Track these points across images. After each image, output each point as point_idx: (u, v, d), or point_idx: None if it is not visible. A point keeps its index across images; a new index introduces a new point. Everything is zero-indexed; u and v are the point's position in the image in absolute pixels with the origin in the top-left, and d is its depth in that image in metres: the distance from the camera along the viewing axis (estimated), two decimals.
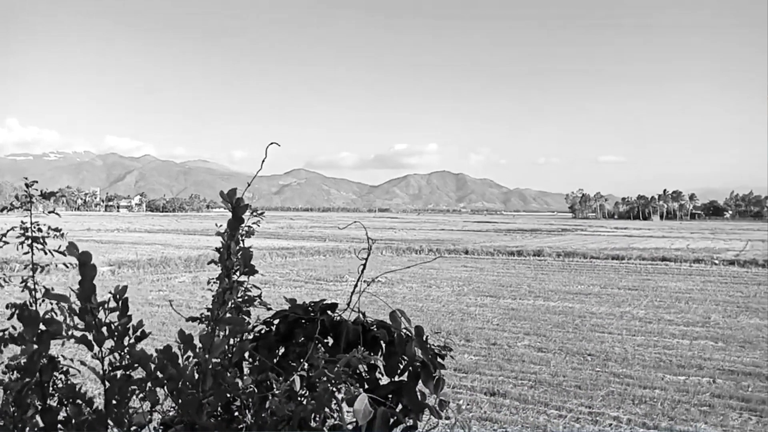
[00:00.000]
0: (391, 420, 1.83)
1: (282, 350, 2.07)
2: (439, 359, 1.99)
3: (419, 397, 1.93)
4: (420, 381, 1.95)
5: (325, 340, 2.04)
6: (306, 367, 1.85)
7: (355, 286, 1.95)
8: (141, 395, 1.63)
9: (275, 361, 2.02)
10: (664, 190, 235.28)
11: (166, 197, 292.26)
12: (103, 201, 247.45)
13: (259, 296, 2.05)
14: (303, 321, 2.02)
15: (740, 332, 15.28)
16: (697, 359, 12.53)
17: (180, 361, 1.66)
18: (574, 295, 22.01)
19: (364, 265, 1.94)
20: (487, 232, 76.56)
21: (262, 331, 2.06)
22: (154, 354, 1.67)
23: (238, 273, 1.70)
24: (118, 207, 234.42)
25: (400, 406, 1.93)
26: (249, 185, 2.01)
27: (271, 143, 1.90)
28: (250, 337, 2.01)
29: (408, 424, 1.87)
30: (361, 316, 2.06)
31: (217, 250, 1.73)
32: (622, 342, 14.13)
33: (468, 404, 9.46)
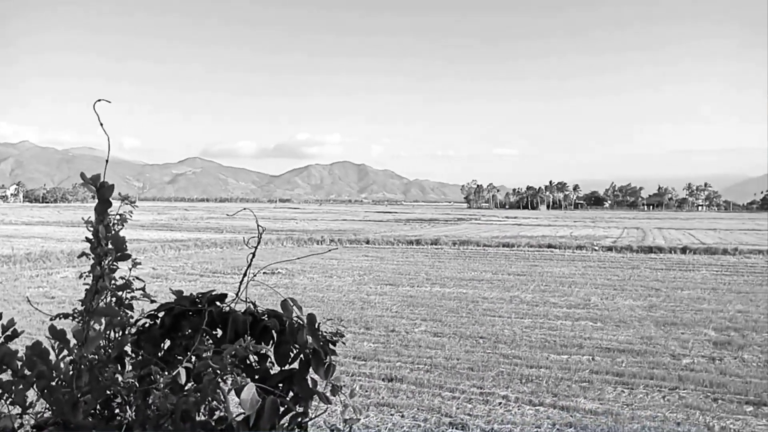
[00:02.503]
0: (282, 408, 1.83)
1: (168, 344, 2.01)
2: (330, 345, 2.01)
3: (311, 384, 1.95)
4: (311, 368, 1.96)
5: (215, 332, 2.00)
6: (193, 359, 1.80)
7: (244, 275, 1.93)
8: (7, 397, 1.52)
9: (160, 354, 1.96)
10: (551, 182, 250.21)
11: (47, 187, 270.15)
12: None
13: (143, 288, 1.97)
14: (190, 313, 1.97)
15: (616, 313, 16.60)
16: (579, 339, 13.47)
17: (53, 358, 1.57)
18: (467, 281, 22.91)
19: (254, 254, 1.92)
20: (387, 222, 77.73)
21: (146, 325, 1.98)
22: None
23: (110, 260, 1.62)
24: None
25: (291, 395, 1.94)
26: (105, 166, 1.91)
27: (99, 100, 1.79)
28: (133, 330, 1.93)
29: (299, 411, 1.88)
30: (251, 306, 2.04)
31: (88, 239, 1.64)
32: (511, 325, 14.91)
33: (366, 391, 9.60)
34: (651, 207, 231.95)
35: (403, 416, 8.56)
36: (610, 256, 34.25)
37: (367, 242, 41.26)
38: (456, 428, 8.16)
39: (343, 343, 2.11)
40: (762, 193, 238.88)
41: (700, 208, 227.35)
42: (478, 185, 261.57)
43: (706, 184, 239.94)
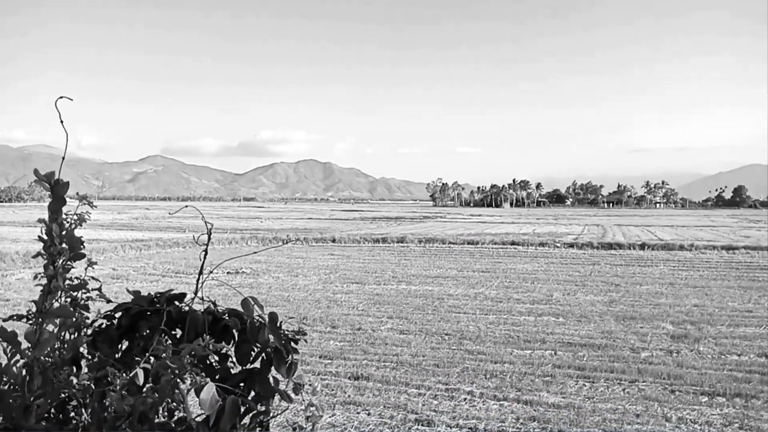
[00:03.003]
0: (243, 408, 1.82)
1: (125, 345, 1.97)
2: (293, 344, 2.00)
3: (273, 382, 1.94)
4: (273, 367, 1.95)
5: (174, 332, 1.97)
6: (151, 360, 1.77)
7: (200, 274, 1.90)
8: None
9: (118, 356, 1.92)
10: (514, 180, 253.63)
11: (1, 186, 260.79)
12: None
13: (99, 289, 1.93)
14: (148, 313, 1.94)
15: (577, 308, 16.94)
16: (541, 334, 13.70)
17: (4, 361, 1.52)
18: (433, 278, 23.07)
19: (205, 251, 1.89)
20: (354, 221, 77.59)
21: (103, 326, 1.94)
22: None
23: (64, 259, 1.58)
24: None
25: (252, 394, 1.92)
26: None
27: (61, 97, 1.75)
28: (89, 332, 1.89)
29: (261, 410, 1.87)
30: (211, 305, 2.01)
31: (41, 239, 1.60)
32: (476, 321, 15.07)
33: (333, 389, 9.58)
34: (611, 204, 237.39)
35: (369, 414, 8.58)
36: (571, 252, 34.91)
37: (333, 241, 41.13)
38: (422, 424, 8.21)
39: (306, 342, 2.10)
40: (717, 190, 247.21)
41: (657, 205, 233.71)
42: (443, 183, 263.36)
43: (663, 182, 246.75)
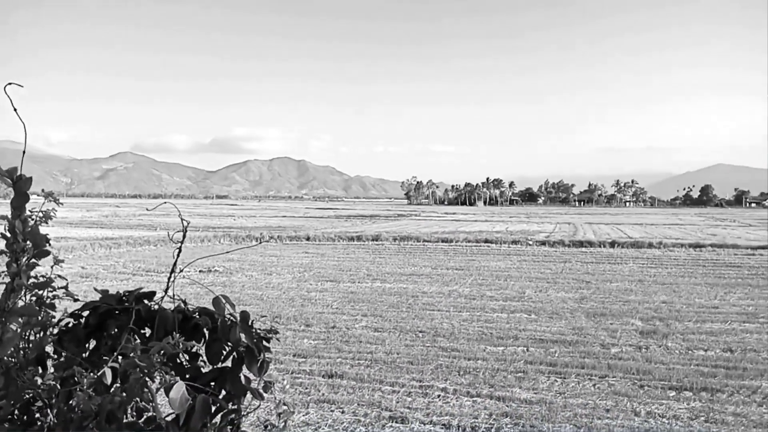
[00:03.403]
0: (214, 407, 1.80)
1: (93, 344, 1.93)
2: (264, 342, 1.99)
3: (244, 381, 1.92)
4: (244, 365, 1.94)
5: (143, 331, 1.94)
6: (119, 359, 1.75)
7: (172, 271, 1.88)
8: None
9: (85, 355, 1.88)
10: (488, 178, 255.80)
11: None
12: None
13: (65, 287, 1.89)
14: (116, 311, 1.90)
15: (549, 305, 17.17)
16: (514, 331, 13.85)
17: None
18: (408, 276, 23.14)
19: (179, 249, 1.87)
20: (328, 219, 77.36)
21: (70, 325, 1.90)
22: None
23: (27, 257, 1.55)
24: None
25: (223, 393, 1.91)
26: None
27: (10, 83, 1.69)
28: (55, 331, 1.85)
29: (232, 408, 1.86)
30: (182, 303, 1.99)
31: (3, 236, 1.56)
32: (449, 318, 15.17)
33: (306, 388, 9.55)
34: (582, 203, 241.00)
35: (343, 412, 8.57)
36: (543, 250, 35.35)
37: (308, 239, 40.97)
38: (396, 422, 8.23)
39: (278, 340, 2.09)
40: (685, 189, 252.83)
41: (627, 203, 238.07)
42: (418, 182, 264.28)
43: (633, 181, 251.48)
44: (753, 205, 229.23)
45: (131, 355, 1.60)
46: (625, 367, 10.90)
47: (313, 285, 20.74)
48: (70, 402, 1.53)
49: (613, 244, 37.04)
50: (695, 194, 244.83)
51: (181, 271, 1.84)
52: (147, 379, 1.51)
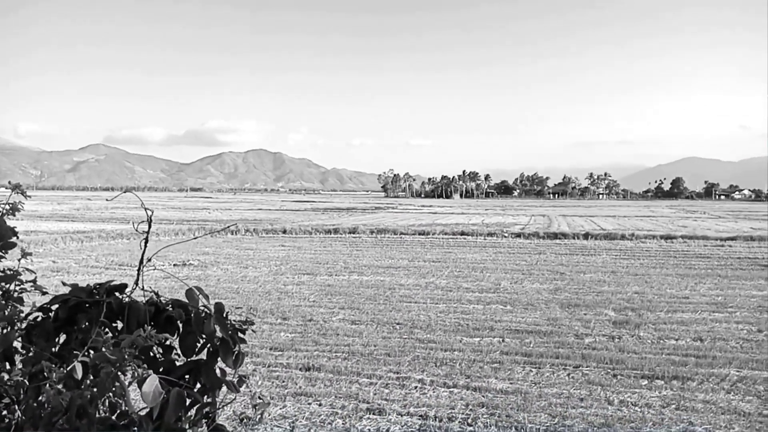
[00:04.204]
0: (189, 400, 1.77)
1: (63, 338, 1.89)
2: (240, 334, 1.97)
3: (219, 373, 1.90)
4: (219, 358, 1.91)
5: (114, 325, 1.90)
6: (90, 353, 1.70)
7: (140, 263, 1.84)
8: None
9: (55, 350, 1.84)
10: (464, 171, 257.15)
11: None
12: None
13: (34, 280, 1.84)
14: (87, 305, 1.86)
15: (524, 296, 17.35)
16: (490, 322, 13.97)
17: None
18: (385, 269, 23.16)
19: (146, 239, 1.83)
20: (305, 212, 76.99)
21: (38, 319, 1.85)
22: None
23: None
24: None
25: (198, 386, 1.88)
26: None
27: None
28: (23, 325, 1.80)
29: (207, 401, 1.83)
30: (154, 296, 1.95)
31: None
32: (426, 310, 15.23)
33: (284, 381, 9.51)
34: (556, 195, 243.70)
35: (320, 404, 8.56)
36: (518, 242, 35.67)
37: (284, 232, 40.73)
38: (373, 413, 8.25)
39: (254, 332, 2.07)
40: (656, 182, 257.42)
41: (600, 196, 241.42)
42: (395, 174, 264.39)
43: (606, 174, 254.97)
44: (722, 197, 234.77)
45: (102, 348, 1.56)
46: (598, 356, 11.07)
47: (289, 278, 20.64)
48: (39, 398, 1.49)
49: (586, 236, 37.55)
50: (667, 187, 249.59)
51: (149, 260, 1.80)
52: (119, 373, 1.48)
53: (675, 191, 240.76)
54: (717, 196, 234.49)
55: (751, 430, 7.83)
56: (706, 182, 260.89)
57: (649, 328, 13.45)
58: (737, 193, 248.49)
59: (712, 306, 15.97)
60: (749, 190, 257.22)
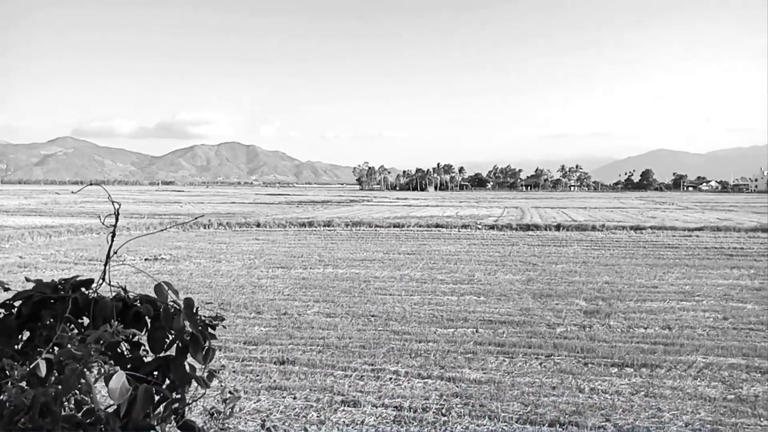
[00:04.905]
0: (157, 397, 1.75)
1: (27, 335, 1.84)
2: (210, 329, 1.95)
3: (189, 369, 1.88)
4: (189, 354, 1.89)
5: (80, 321, 1.87)
6: (55, 350, 1.67)
7: (107, 257, 1.81)
8: None
9: (17, 347, 1.80)
10: (438, 164, 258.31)
11: None
12: None
13: None
14: (51, 300, 1.82)
15: (497, 287, 17.52)
16: (464, 313, 14.09)
17: None
18: (360, 261, 23.16)
19: (113, 233, 1.80)
20: (279, 205, 76.45)
21: (0, 316, 1.81)
22: None
23: None
24: None
25: (167, 382, 1.86)
26: None
27: None
28: None
29: (176, 398, 1.81)
30: (122, 291, 1.92)
31: None
32: (401, 302, 15.29)
33: (258, 375, 9.46)
34: (529, 187, 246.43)
35: (295, 398, 8.54)
36: (492, 234, 35.97)
37: (258, 225, 40.41)
38: (348, 405, 8.26)
39: (224, 327, 2.05)
40: (626, 174, 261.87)
41: (572, 188, 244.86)
42: (369, 167, 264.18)
43: (577, 166, 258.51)
44: (690, 188, 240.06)
45: (68, 345, 1.53)
46: (570, 345, 11.26)
47: (263, 272, 20.51)
48: (1, 397, 1.46)
49: (558, 227, 38.04)
50: (636, 178, 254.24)
51: (116, 253, 1.77)
52: (84, 369, 1.45)
53: (645, 183, 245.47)
54: (685, 188, 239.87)
55: (716, 415, 8.05)
56: (674, 174, 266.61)
57: (619, 317, 13.70)
58: (704, 184, 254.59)
59: (679, 295, 16.35)
60: (716, 181, 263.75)
